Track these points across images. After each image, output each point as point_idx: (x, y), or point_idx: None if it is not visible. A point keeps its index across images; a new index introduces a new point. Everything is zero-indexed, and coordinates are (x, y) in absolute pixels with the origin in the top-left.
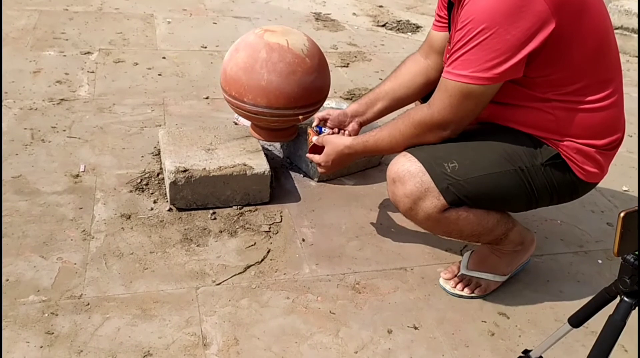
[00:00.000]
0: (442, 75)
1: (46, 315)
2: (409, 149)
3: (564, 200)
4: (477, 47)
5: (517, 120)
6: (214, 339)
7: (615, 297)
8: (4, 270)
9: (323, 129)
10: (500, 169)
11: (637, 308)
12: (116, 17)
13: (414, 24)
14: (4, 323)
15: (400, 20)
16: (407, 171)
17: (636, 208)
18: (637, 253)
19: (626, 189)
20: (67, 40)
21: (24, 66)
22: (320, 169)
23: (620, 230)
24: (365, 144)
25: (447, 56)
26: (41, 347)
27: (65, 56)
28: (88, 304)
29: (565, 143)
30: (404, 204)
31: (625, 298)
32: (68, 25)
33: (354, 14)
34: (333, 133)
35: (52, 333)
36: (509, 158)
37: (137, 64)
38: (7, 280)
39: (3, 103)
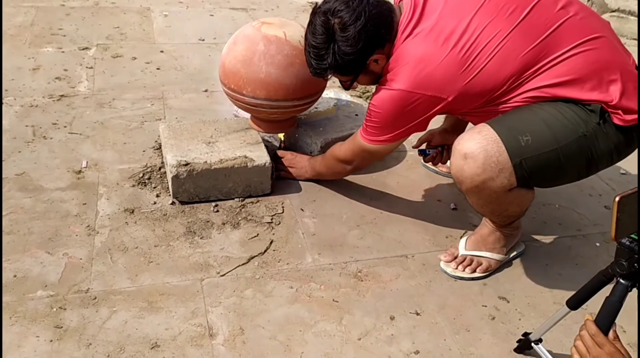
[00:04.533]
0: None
1: (54, 309)
2: (488, 121)
3: (623, 153)
4: (373, 127)
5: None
6: (220, 329)
7: (611, 280)
8: (11, 266)
9: (428, 151)
10: (567, 141)
11: (633, 289)
12: (113, 12)
13: None
14: (13, 319)
15: None
16: (484, 150)
17: (631, 191)
18: (632, 236)
19: (623, 172)
20: (64, 36)
21: (23, 63)
22: (280, 167)
23: (617, 214)
24: (311, 163)
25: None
26: (51, 340)
27: (63, 52)
28: (95, 298)
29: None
30: (471, 182)
31: (622, 281)
32: (65, 21)
33: None
34: (437, 153)
35: (61, 327)
36: (571, 125)
37: (135, 58)
38: (15, 276)
39: (4, 101)
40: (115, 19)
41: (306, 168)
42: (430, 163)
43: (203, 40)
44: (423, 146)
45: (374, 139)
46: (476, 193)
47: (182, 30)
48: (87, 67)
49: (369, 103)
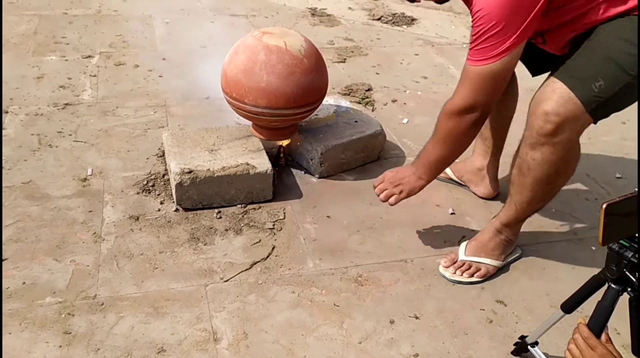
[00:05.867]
0: (465, 65)
1: (63, 315)
2: (556, 74)
3: None
4: (489, 37)
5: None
6: (224, 334)
7: (604, 284)
8: (20, 273)
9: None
10: (635, 68)
11: (624, 293)
12: (115, 19)
13: (409, 17)
14: (23, 325)
15: (395, 13)
16: (560, 106)
17: (618, 198)
18: (622, 242)
19: (619, 176)
20: (68, 44)
21: (27, 72)
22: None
23: (604, 221)
24: (419, 163)
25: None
26: (60, 346)
27: (67, 60)
28: (102, 304)
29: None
30: (551, 123)
31: (613, 285)
32: (68, 29)
33: (350, 8)
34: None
35: (70, 333)
36: (634, 49)
37: (137, 66)
38: (24, 283)
39: (9, 110)
40: (117, 26)
41: (415, 170)
42: None
43: (204, 47)
44: None
45: (491, 56)
46: (552, 136)
47: (184, 38)
48: (90, 75)
49: (472, 18)
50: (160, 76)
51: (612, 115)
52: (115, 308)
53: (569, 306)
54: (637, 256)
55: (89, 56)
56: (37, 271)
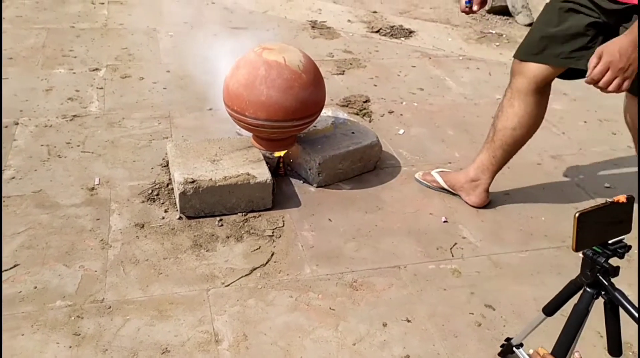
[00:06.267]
0: None
1: (72, 318)
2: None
3: None
4: None
5: None
6: (225, 336)
7: (580, 288)
8: (31, 278)
9: (471, 1)
10: None
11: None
12: (121, 33)
13: (407, 29)
14: (35, 327)
15: (394, 26)
16: None
17: (590, 208)
18: (595, 248)
19: (608, 186)
20: (75, 57)
21: (36, 84)
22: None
23: (577, 229)
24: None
25: None
26: (70, 347)
27: (74, 73)
28: (110, 307)
29: None
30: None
31: (588, 289)
32: (75, 42)
33: (349, 20)
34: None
35: (79, 334)
36: None
37: (142, 78)
38: (36, 287)
39: (20, 121)
40: (123, 40)
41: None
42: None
43: (207, 59)
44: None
45: None
46: None
47: (187, 50)
48: (97, 87)
49: None
50: (164, 88)
51: (603, 126)
52: (121, 311)
53: (550, 309)
54: (608, 262)
55: (96, 69)
56: (48, 276)
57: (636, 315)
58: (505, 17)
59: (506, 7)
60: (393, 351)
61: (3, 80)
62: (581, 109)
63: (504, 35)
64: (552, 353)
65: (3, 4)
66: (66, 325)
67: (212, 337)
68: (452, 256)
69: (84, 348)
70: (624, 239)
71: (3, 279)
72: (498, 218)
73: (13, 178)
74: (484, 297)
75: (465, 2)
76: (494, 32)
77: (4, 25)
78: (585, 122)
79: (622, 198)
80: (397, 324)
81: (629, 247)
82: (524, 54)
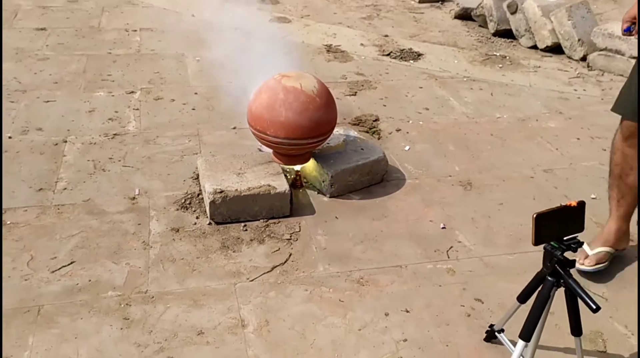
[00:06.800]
0: None
1: (122, 305)
2: None
3: None
4: None
5: None
6: (250, 321)
7: (544, 278)
8: (86, 273)
9: (631, 27)
10: None
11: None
12: (152, 58)
13: (415, 52)
14: (91, 312)
15: (404, 49)
16: None
17: (547, 209)
18: (552, 243)
19: (594, 197)
20: (113, 81)
21: (80, 106)
22: None
23: (535, 227)
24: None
25: None
26: (121, 328)
27: (113, 95)
28: (153, 297)
29: None
30: None
31: (549, 278)
32: (113, 67)
33: (362, 44)
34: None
35: (128, 318)
36: None
37: (173, 100)
38: (90, 280)
39: (68, 139)
40: (155, 64)
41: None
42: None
43: (231, 82)
44: (626, 26)
45: None
46: None
47: (213, 74)
48: (133, 109)
49: None
50: (193, 109)
51: (594, 143)
52: (162, 300)
53: (522, 297)
54: (564, 255)
55: (132, 92)
56: (100, 271)
57: (589, 301)
58: (509, 40)
59: (510, 30)
60: (393, 336)
61: (51, 102)
62: (575, 127)
63: (507, 57)
64: (520, 331)
65: (46, 33)
66: (117, 311)
67: (239, 322)
68: (448, 257)
69: (132, 330)
70: (577, 236)
71: (62, 273)
72: (491, 225)
73: (65, 188)
74: (475, 292)
75: (624, 30)
76: (498, 54)
77: (48, 52)
78: (578, 139)
79: (573, 203)
80: (397, 314)
81: (582, 243)
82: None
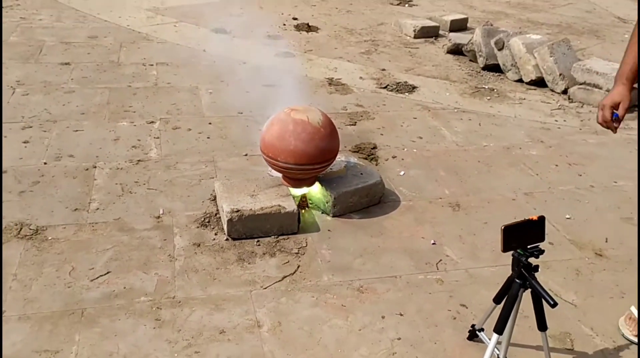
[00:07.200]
0: None
1: (154, 309)
2: None
3: None
4: None
5: None
6: (264, 323)
7: (513, 280)
8: (121, 281)
9: (617, 113)
10: None
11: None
12: (169, 91)
13: (410, 85)
14: (127, 314)
15: (400, 82)
16: None
17: (514, 222)
18: (518, 251)
19: (568, 217)
20: (134, 112)
21: (106, 135)
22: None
23: (503, 237)
24: (621, 75)
25: None
26: (154, 328)
27: (135, 125)
28: (180, 302)
29: None
30: None
31: (517, 280)
32: (133, 99)
33: (361, 77)
34: (625, 111)
35: (159, 319)
36: None
37: (190, 129)
38: (124, 288)
39: (97, 165)
40: (171, 96)
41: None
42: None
43: (241, 113)
44: (611, 112)
45: None
46: None
47: (225, 105)
48: (154, 137)
49: None
50: (208, 137)
51: (572, 169)
52: (188, 305)
53: (497, 298)
54: (528, 260)
55: (152, 122)
56: (133, 280)
57: (548, 298)
58: (497, 74)
59: (498, 64)
60: (389, 335)
61: (80, 131)
62: (554, 155)
63: (495, 90)
64: (495, 326)
65: (70, 67)
66: (149, 313)
67: (255, 323)
68: (437, 269)
69: (164, 329)
70: (539, 245)
71: (100, 282)
72: (476, 242)
73: (97, 208)
74: (460, 299)
75: (613, 116)
76: (486, 87)
77: (73, 85)
78: (557, 165)
79: (534, 217)
80: (392, 317)
81: (543, 251)
82: None
